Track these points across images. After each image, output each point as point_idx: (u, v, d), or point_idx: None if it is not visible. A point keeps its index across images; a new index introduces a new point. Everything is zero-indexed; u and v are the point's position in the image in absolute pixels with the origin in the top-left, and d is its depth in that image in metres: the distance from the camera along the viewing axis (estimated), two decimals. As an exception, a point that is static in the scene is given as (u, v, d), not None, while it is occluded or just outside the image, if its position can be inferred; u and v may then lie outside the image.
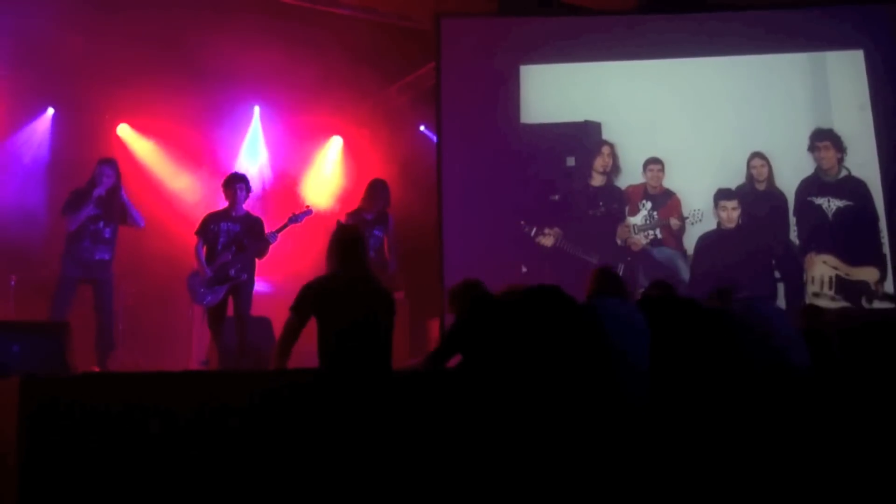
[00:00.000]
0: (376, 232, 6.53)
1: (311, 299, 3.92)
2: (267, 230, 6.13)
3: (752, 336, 4.09)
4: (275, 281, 7.63)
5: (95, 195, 5.99)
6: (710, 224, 7.27)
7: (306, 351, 4.08)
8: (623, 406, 3.63)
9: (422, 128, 9.13)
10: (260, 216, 6.30)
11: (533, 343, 3.71)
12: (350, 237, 4.23)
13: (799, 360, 4.14)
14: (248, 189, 6.18)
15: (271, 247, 6.12)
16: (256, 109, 8.96)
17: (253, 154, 8.99)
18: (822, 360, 4.29)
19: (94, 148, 8.04)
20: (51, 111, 8.16)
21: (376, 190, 6.64)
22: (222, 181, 6.20)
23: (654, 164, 7.37)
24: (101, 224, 6.02)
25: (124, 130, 8.43)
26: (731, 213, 7.24)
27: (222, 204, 6.24)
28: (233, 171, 6.68)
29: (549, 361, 3.65)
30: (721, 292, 4.71)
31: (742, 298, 4.90)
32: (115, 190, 6.09)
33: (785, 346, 4.13)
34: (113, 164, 6.18)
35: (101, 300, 6.02)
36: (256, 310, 6.23)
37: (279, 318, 5.66)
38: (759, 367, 3.98)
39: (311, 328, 4.00)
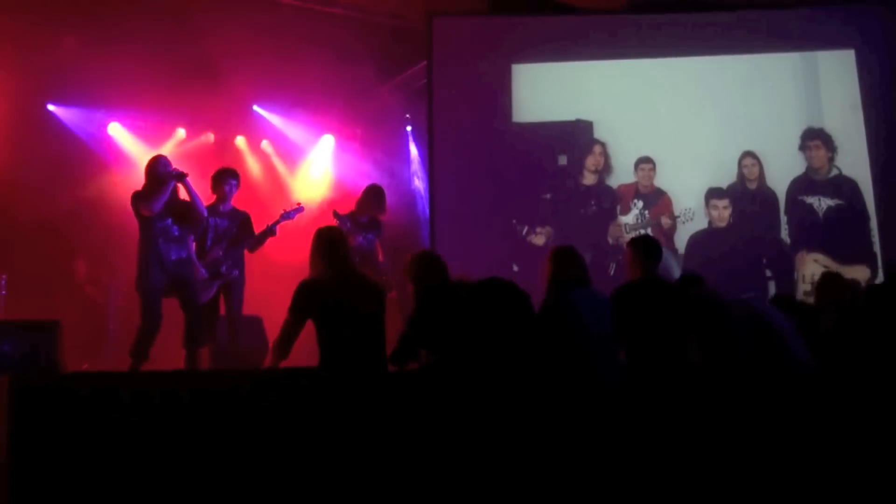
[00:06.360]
0: (369, 235, 6.52)
1: (309, 299, 3.91)
2: (256, 227, 6.07)
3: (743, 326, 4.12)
4: (266, 279, 7.60)
5: (172, 185, 5.46)
6: (701, 223, 7.29)
7: (303, 350, 4.08)
8: (600, 394, 3.65)
9: (408, 128, 9.10)
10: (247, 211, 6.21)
11: (502, 336, 3.66)
12: (333, 237, 4.21)
13: (801, 355, 4.16)
14: (238, 184, 6.08)
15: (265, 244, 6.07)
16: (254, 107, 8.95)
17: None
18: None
19: (88, 146, 8.07)
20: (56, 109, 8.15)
21: (372, 197, 6.60)
22: (211, 175, 6.10)
23: (645, 163, 7.39)
24: (169, 221, 5.54)
25: (115, 129, 8.40)
26: (723, 212, 7.26)
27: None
28: (222, 166, 6.58)
29: (525, 355, 3.63)
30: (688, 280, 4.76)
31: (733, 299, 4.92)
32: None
33: (784, 339, 4.15)
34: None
35: (188, 299, 5.56)
36: (247, 308, 6.18)
37: (270, 316, 5.65)
38: (751, 357, 4.00)
39: (307, 328, 3.99)
